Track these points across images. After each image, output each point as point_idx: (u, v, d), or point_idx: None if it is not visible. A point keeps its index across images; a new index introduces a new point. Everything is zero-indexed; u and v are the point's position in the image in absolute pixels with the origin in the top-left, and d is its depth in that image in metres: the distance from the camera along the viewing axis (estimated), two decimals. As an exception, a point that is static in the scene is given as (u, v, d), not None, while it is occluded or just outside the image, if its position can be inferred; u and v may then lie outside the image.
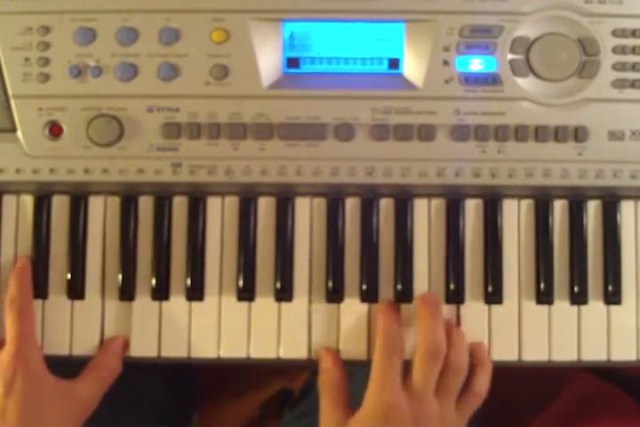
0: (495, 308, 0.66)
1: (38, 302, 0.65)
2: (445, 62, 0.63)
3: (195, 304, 0.66)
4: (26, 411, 0.60)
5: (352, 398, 0.65)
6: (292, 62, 0.65)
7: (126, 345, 0.66)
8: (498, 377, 0.66)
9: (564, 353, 0.66)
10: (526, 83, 0.64)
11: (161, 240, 0.66)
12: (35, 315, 0.64)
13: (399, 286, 0.65)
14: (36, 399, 0.61)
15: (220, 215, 0.66)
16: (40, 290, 0.65)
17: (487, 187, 0.65)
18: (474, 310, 0.66)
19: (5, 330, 0.62)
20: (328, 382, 0.64)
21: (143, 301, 0.66)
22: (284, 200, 0.66)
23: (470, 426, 0.68)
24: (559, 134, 0.63)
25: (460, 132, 0.63)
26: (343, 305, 0.66)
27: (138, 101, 0.64)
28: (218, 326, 0.66)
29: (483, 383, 0.65)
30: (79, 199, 0.66)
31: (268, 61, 0.64)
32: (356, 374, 0.66)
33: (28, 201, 0.66)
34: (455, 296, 0.65)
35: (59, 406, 0.62)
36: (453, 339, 0.63)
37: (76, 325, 0.66)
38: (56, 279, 0.66)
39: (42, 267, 0.66)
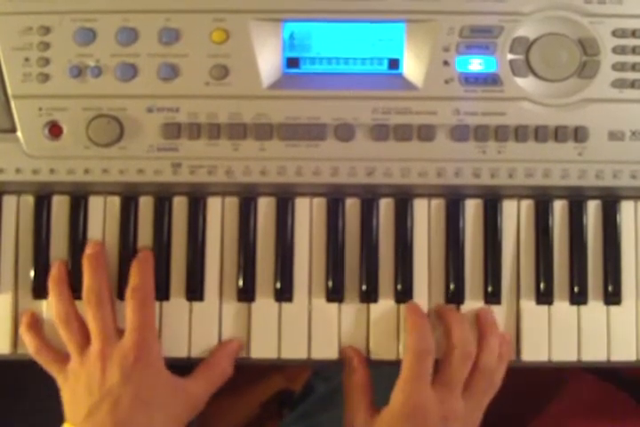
0: (495, 308, 0.66)
1: (38, 303, 0.65)
2: (445, 62, 0.63)
3: (195, 304, 0.66)
4: (140, 402, 0.58)
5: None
6: (292, 62, 0.65)
7: (241, 348, 0.65)
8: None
9: (564, 353, 0.66)
10: (526, 83, 0.64)
11: (161, 240, 0.66)
12: (155, 307, 0.63)
13: (399, 286, 0.66)
14: (151, 392, 0.59)
15: (220, 215, 0.66)
16: (40, 290, 0.65)
17: (487, 187, 0.65)
18: (473, 310, 0.66)
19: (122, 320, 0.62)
20: (354, 381, 0.63)
21: (143, 301, 0.66)
22: (284, 200, 0.66)
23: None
24: (559, 134, 0.63)
25: (459, 133, 0.63)
26: (343, 305, 0.66)
27: (138, 101, 0.64)
28: (218, 327, 0.66)
29: (487, 358, 0.62)
30: (79, 199, 0.66)
31: (268, 61, 0.64)
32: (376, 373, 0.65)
33: (28, 201, 0.66)
34: (455, 296, 0.65)
35: (170, 402, 0.60)
36: (488, 341, 0.63)
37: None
38: (56, 279, 0.66)
39: (41, 267, 0.65)
